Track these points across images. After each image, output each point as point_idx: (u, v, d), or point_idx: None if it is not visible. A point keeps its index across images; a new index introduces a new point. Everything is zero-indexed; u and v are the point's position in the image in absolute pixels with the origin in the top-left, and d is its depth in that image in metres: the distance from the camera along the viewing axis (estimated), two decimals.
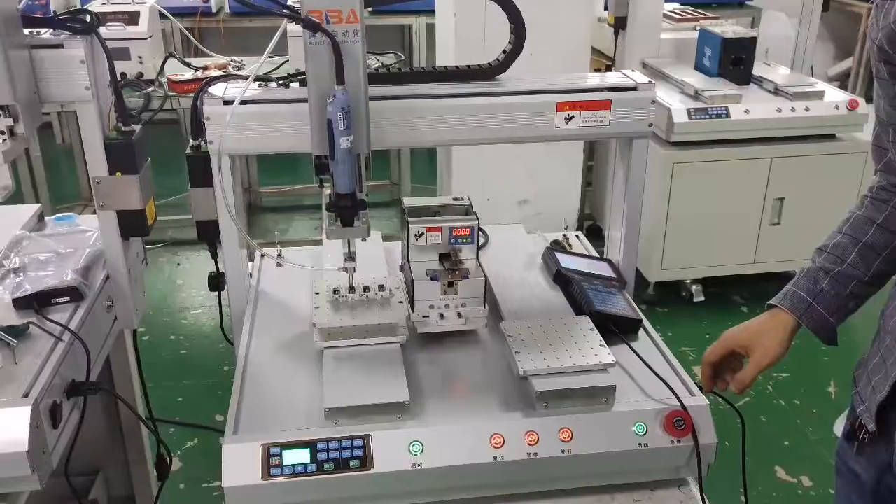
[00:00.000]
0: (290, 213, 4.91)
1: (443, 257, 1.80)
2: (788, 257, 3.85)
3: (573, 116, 1.80)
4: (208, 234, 1.85)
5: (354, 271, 1.73)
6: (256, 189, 4.91)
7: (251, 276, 2.04)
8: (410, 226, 1.78)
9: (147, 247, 2.12)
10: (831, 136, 3.80)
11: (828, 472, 1.97)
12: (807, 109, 3.67)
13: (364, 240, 1.69)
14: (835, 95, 3.83)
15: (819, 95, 3.74)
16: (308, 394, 1.59)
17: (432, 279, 1.73)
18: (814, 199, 3.79)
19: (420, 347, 1.74)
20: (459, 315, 1.75)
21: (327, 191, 1.67)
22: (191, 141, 1.81)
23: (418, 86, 1.77)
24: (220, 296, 1.96)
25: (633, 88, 1.82)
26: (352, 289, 1.74)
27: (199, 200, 1.82)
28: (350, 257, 1.71)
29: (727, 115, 3.58)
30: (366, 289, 1.75)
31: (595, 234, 4.49)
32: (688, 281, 4.01)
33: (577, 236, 2.30)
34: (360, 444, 1.45)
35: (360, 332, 1.67)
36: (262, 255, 2.10)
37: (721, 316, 3.84)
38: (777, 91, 3.80)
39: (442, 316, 1.75)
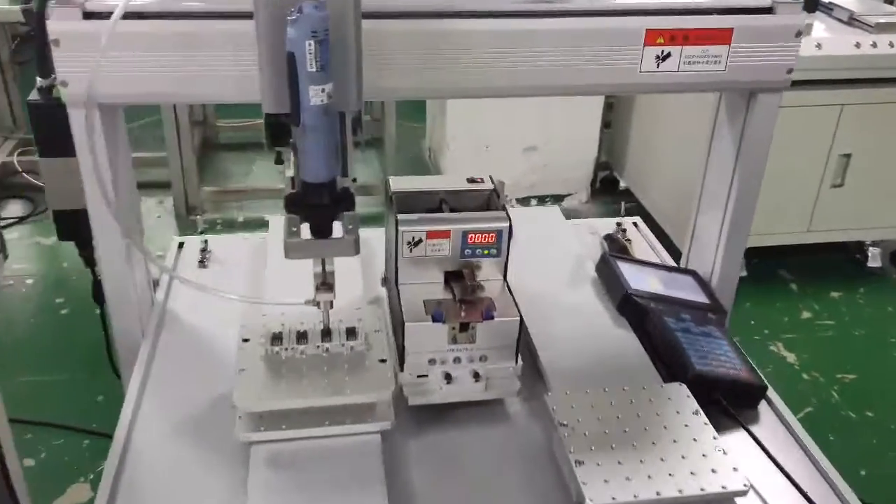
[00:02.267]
0: (253, 152, 4.16)
1: (451, 277, 1.13)
2: (849, 225, 3.20)
3: (669, 54, 1.10)
4: (73, 232, 1.16)
5: (331, 307, 1.06)
6: (212, 123, 4.16)
7: (155, 286, 1.34)
8: (401, 228, 1.10)
9: None
10: None
11: None
12: (891, 45, 2.96)
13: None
14: None
15: None
16: None
17: (434, 319, 1.06)
18: (886, 158, 3.12)
19: (414, 432, 1.08)
20: (477, 376, 1.09)
21: (289, 172, 0.99)
22: (38, 80, 1.09)
23: None
24: (103, 313, 1.28)
25: (769, 10, 1.12)
26: (302, 337, 1.06)
27: (54, 177, 1.11)
28: (325, 284, 1.03)
29: None
30: (325, 335, 1.07)
31: (610, 189, 3.81)
32: None
33: (635, 224, 1.62)
34: None
35: (314, 418, 1.00)
36: (171, 269, 1.40)
37: (765, 295, 3.20)
38: (852, 21, 3.08)
39: (449, 378, 1.08)
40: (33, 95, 1.07)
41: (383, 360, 1.05)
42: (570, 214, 3.72)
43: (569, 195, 3.72)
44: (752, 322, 3.05)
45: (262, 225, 3.54)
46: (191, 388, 1.13)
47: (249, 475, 0.95)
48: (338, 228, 0.98)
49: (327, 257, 1.01)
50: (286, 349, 1.04)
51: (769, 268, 3.38)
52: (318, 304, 1.04)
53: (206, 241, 1.44)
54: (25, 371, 2.57)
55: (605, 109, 3.64)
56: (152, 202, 3.60)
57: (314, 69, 0.85)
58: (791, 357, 2.81)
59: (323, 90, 0.87)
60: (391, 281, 1.17)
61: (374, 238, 1.30)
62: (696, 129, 3.05)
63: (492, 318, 1.07)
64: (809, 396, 2.66)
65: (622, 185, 3.78)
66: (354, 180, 1.01)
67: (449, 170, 3.58)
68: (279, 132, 0.95)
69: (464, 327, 1.07)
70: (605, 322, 1.25)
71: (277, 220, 1.48)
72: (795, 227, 3.27)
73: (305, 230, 0.96)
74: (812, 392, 2.67)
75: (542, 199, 3.71)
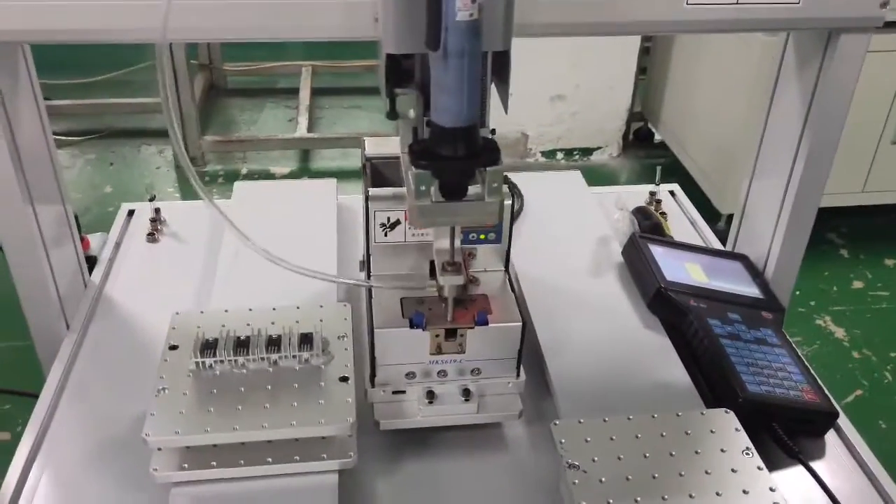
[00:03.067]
0: (262, 98, 3.91)
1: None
2: None
3: None
4: None
5: (459, 292, 0.82)
6: (219, 67, 3.90)
7: (87, 263, 1.11)
8: (373, 207, 0.86)
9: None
10: None
11: None
12: None
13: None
14: None
15: None
16: None
17: (413, 324, 0.83)
18: None
19: (385, 466, 0.85)
20: (467, 394, 0.86)
21: (409, 120, 0.76)
22: None
23: None
24: None
25: None
26: (242, 346, 0.83)
27: None
28: (453, 264, 0.81)
29: None
30: (271, 343, 0.83)
31: (644, 142, 3.52)
32: None
33: (672, 193, 1.36)
34: None
35: (252, 454, 0.77)
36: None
37: (812, 261, 2.90)
38: None
39: (432, 397, 0.86)
40: None
41: (344, 379, 0.82)
42: (598, 171, 3.44)
43: (598, 149, 3.44)
44: (797, 292, 2.77)
45: (267, 177, 3.31)
46: (118, 399, 0.91)
47: None
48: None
49: (465, 224, 0.78)
50: (221, 362, 0.81)
51: (817, 231, 3.07)
52: (441, 290, 0.81)
53: (157, 210, 1.21)
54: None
55: (640, 54, 3.32)
56: (152, 151, 3.38)
57: None
58: (840, 332, 2.54)
59: (474, 0, 0.63)
60: (366, 264, 0.94)
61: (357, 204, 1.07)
62: (744, 75, 2.74)
63: (486, 322, 0.84)
64: (860, 378, 2.39)
65: (657, 137, 3.48)
66: (493, 132, 0.77)
67: None
68: (401, 77, 0.72)
69: (451, 334, 0.84)
70: (633, 324, 1.00)
71: (243, 187, 1.25)
72: (849, 186, 2.96)
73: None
74: (863, 373, 2.41)
75: (569, 153, 3.43)
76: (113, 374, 0.95)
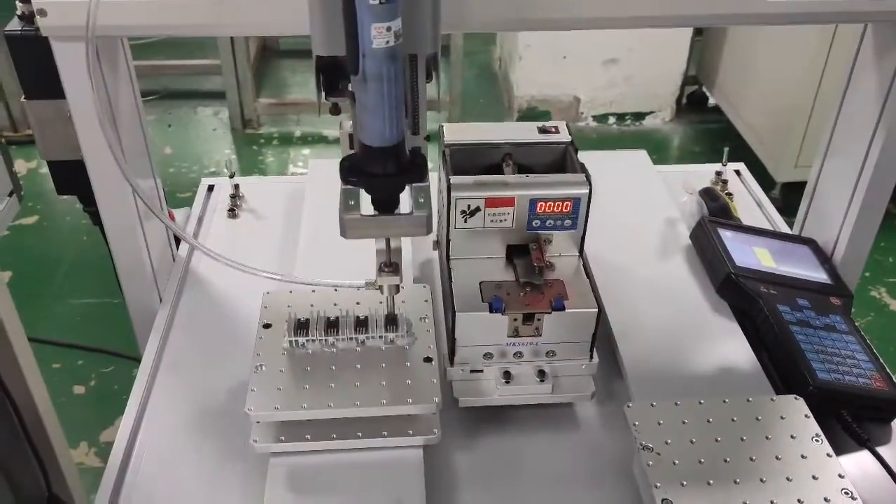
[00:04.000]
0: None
1: (515, 253, 0.93)
2: None
3: None
4: (73, 184, 0.99)
5: (397, 291, 0.87)
6: None
7: (176, 244, 1.17)
8: (455, 195, 0.89)
9: None
10: None
11: None
12: None
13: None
14: None
15: None
16: None
17: (492, 309, 0.87)
18: None
19: (464, 441, 0.90)
20: (542, 375, 0.90)
21: (346, 126, 0.79)
22: (18, 5, 0.90)
23: None
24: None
25: None
26: (332, 326, 0.88)
27: (44, 123, 0.94)
28: (390, 265, 0.85)
29: None
30: (360, 325, 0.88)
31: (698, 106, 3.47)
32: None
33: (737, 172, 1.37)
34: None
35: (344, 429, 0.82)
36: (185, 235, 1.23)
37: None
38: None
39: (508, 377, 0.90)
40: (12, 25, 0.89)
41: (428, 360, 0.86)
42: (650, 136, 3.40)
43: (651, 113, 3.41)
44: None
45: (319, 140, 3.35)
46: (211, 371, 0.97)
47: (266, 493, 0.80)
48: (404, 199, 0.78)
49: (393, 237, 0.82)
50: (313, 341, 0.86)
51: None
52: (380, 289, 0.86)
53: (236, 186, 1.26)
54: (78, 292, 2.50)
55: None
56: (208, 113, 3.44)
57: (377, 1, 0.64)
58: (895, 304, 2.53)
59: (389, 28, 0.65)
60: (443, 250, 0.98)
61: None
62: (806, 38, 2.69)
63: (562, 308, 0.87)
64: None
65: (711, 102, 3.43)
66: (428, 139, 0.80)
67: (521, 83, 3.30)
68: (334, 77, 0.74)
69: (528, 318, 0.88)
70: (702, 309, 1.03)
71: (318, 165, 1.29)
72: None
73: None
74: None
75: (621, 118, 3.41)
76: (205, 346, 1.01)
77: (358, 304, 0.91)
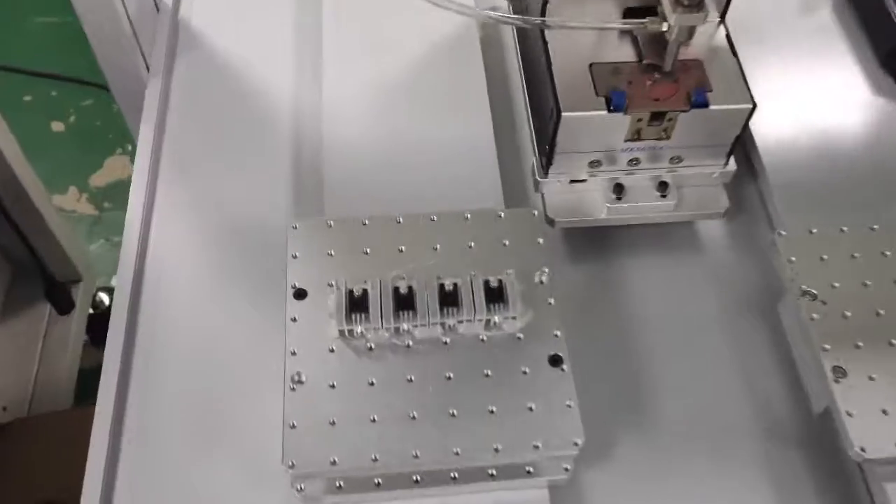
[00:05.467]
0: None
1: (637, 16, 0.66)
2: None
3: None
4: None
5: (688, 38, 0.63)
6: None
7: None
8: None
9: None
10: None
11: None
12: None
13: None
14: None
15: None
16: None
17: (612, 106, 0.63)
18: None
19: (563, 267, 0.70)
20: (664, 188, 0.69)
21: None
22: None
23: None
24: None
25: None
26: (405, 303, 0.58)
27: None
28: None
29: None
30: (446, 300, 0.58)
31: None
32: None
33: None
34: None
35: (427, 475, 0.56)
36: None
37: None
38: None
39: (620, 190, 0.69)
40: None
41: (557, 361, 0.57)
42: None
43: None
44: None
45: None
46: (222, 172, 0.75)
47: None
48: None
49: None
50: (375, 329, 0.57)
51: None
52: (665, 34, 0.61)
53: None
54: (43, 9, 2.15)
55: None
56: None
57: None
58: None
59: None
60: (530, 11, 0.71)
61: None
62: None
63: (705, 104, 0.64)
64: None
65: None
66: None
67: None
68: None
69: (656, 117, 0.65)
70: (860, 87, 0.78)
71: None
72: None
73: None
74: None
75: None
76: (214, 135, 0.78)
77: (436, 248, 0.61)
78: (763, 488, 0.60)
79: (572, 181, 0.69)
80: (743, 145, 0.75)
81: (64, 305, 1.27)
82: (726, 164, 0.70)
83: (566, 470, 0.56)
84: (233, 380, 0.63)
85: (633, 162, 0.68)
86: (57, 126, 2.01)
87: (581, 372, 0.57)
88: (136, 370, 0.64)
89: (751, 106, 0.64)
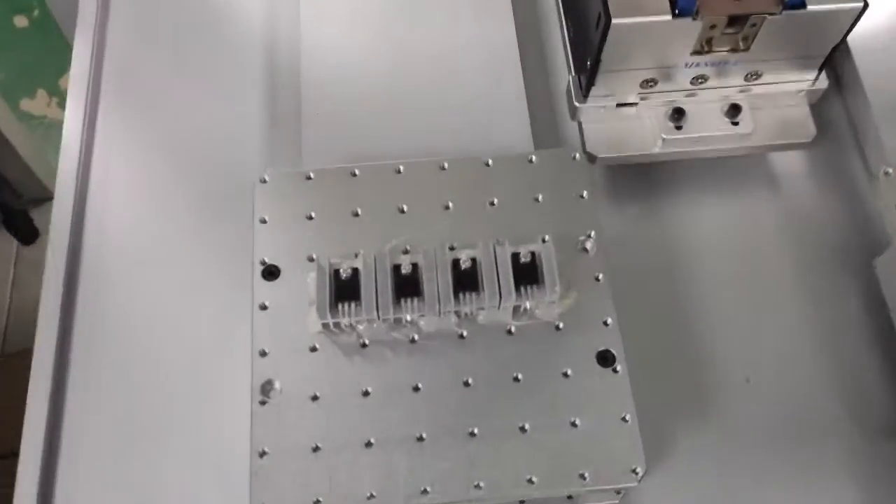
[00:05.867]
0: None
1: None
2: None
3: None
4: None
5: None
6: None
7: None
8: None
9: None
10: None
11: None
12: None
13: None
14: None
15: None
16: None
17: (679, 11, 0.47)
18: None
19: (607, 213, 0.56)
20: (735, 112, 0.54)
21: None
22: None
23: None
24: None
25: None
26: (407, 286, 0.43)
27: None
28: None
29: None
30: (461, 282, 0.43)
31: None
32: None
33: None
34: None
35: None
36: None
37: None
38: None
39: (679, 118, 0.54)
40: None
41: (606, 359, 0.43)
42: None
43: None
44: None
45: None
46: (179, 90, 0.60)
47: None
48: None
49: None
50: (370, 320, 0.43)
51: None
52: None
53: None
54: None
55: None
56: None
57: None
58: None
59: None
60: None
61: None
62: None
63: (802, 3, 0.48)
64: None
65: None
66: None
67: None
68: None
69: (736, 22, 0.49)
70: None
71: None
72: None
73: None
74: None
75: None
76: (162, 54, 0.62)
77: (447, 207, 0.47)
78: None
79: (619, 105, 0.54)
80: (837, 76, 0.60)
81: (26, 234, 1.13)
82: (816, 79, 0.54)
83: (617, 493, 0.44)
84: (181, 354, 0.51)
85: (698, 80, 0.53)
86: (20, 21, 1.81)
87: (628, 357, 0.43)
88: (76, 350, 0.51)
89: (861, 5, 0.48)
